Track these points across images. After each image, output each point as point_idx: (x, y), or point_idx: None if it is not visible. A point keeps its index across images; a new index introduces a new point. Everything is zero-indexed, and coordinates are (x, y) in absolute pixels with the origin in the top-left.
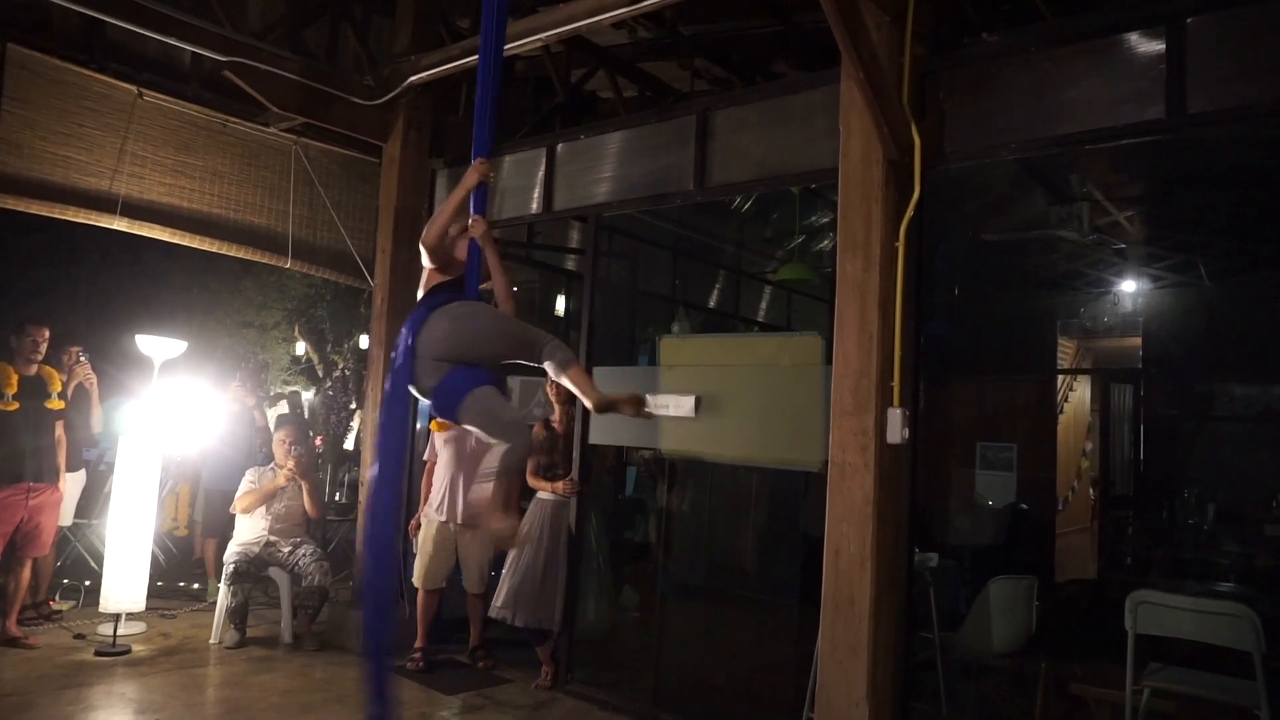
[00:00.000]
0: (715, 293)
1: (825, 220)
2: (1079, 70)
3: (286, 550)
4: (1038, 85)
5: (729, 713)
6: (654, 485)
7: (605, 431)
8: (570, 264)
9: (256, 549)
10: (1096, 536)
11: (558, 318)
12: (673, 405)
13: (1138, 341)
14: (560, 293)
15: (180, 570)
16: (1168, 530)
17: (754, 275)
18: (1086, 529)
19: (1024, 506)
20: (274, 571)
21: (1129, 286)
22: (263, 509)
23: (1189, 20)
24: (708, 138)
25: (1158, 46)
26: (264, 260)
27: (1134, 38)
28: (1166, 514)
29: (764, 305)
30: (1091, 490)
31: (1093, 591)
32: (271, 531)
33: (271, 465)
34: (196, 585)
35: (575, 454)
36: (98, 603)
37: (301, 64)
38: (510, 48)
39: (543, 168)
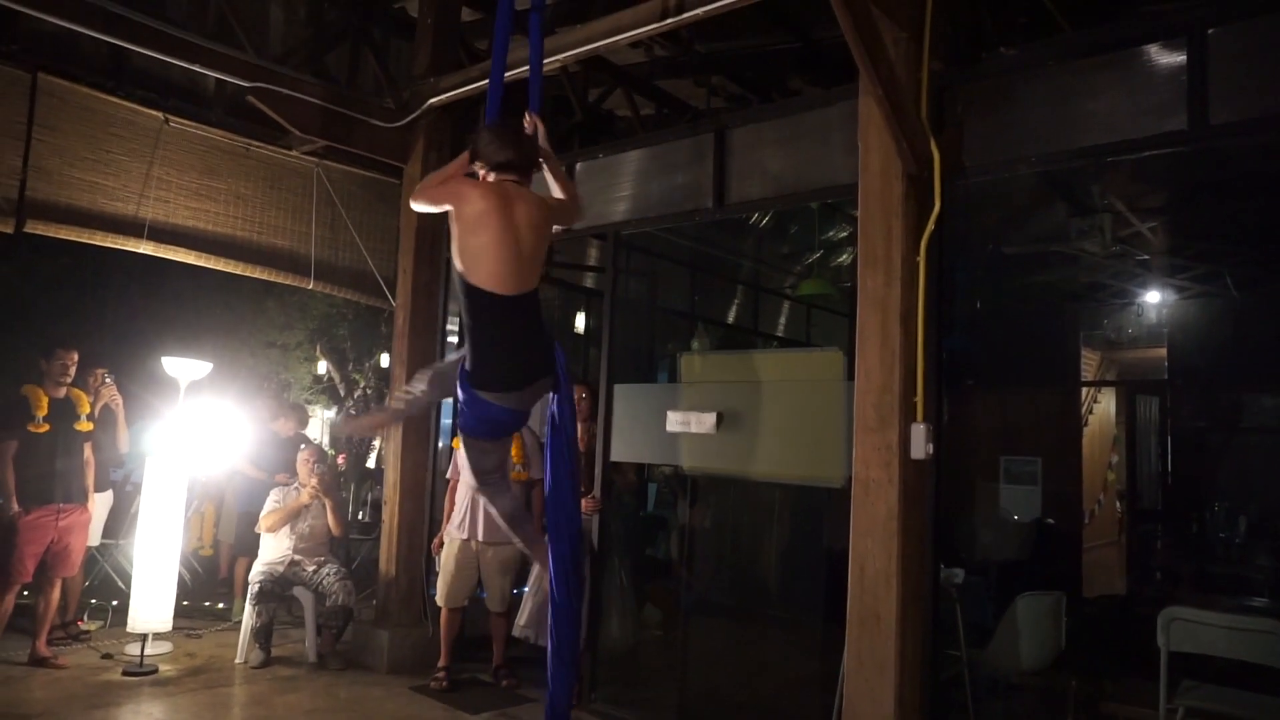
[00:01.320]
0: (734, 309)
1: (843, 235)
2: (1099, 83)
3: (311, 570)
4: (1057, 98)
5: None
6: (675, 502)
7: (626, 449)
8: (589, 281)
9: (281, 568)
10: (1124, 551)
11: (577, 335)
12: (694, 422)
13: (1163, 352)
14: (579, 310)
15: (205, 590)
16: (1198, 544)
17: (773, 291)
18: (1114, 543)
19: (1050, 521)
20: (298, 591)
21: (1153, 297)
22: (287, 528)
23: (1210, 31)
24: (725, 155)
25: (1179, 58)
26: (287, 281)
27: (1154, 49)
28: (1196, 527)
29: (783, 321)
30: (1118, 504)
31: (1122, 607)
32: (296, 551)
33: (295, 485)
34: (221, 605)
35: (596, 471)
36: (125, 623)
37: (323, 88)
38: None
39: None
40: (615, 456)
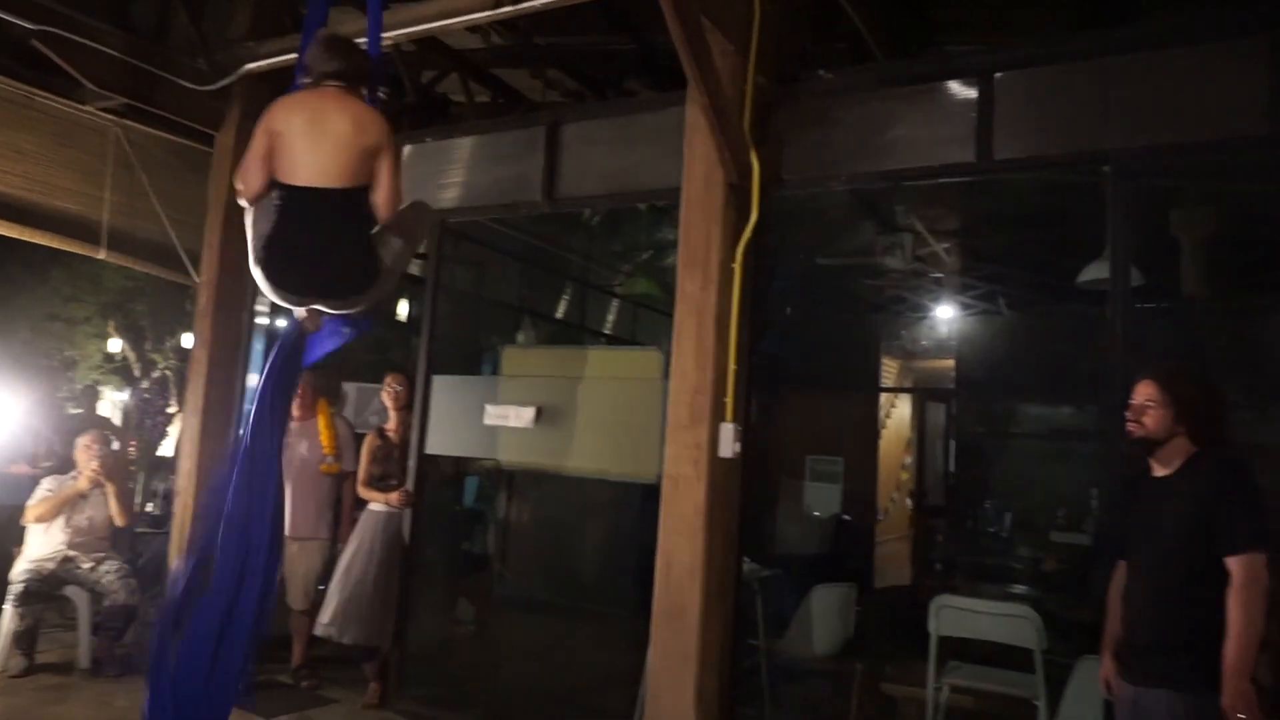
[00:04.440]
0: (563, 303)
1: (672, 237)
2: (904, 111)
3: (87, 566)
4: (867, 122)
5: None
6: (494, 496)
7: (443, 441)
8: (415, 268)
9: (51, 565)
10: (912, 544)
11: (399, 323)
12: (513, 416)
13: (951, 364)
14: (403, 297)
15: None
16: (972, 538)
17: (601, 287)
18: (904, 537)
19: (847, 517)
20: (72, 590)
21: (944, 313)
22: (61, 520)
23: (997, 75)
24: (557, 149)
25: (971, 95)
26: (74, 249)
27: (953, 86)
28: (971, 523)
29: (611, 318)
30: (909, 501)
31: (906, 596)
32: (71, 545)
33: (72, 474)
34: None
35: (411, 464)
36: None
37: (124, 39)
38: (359, 42)
39: None
40: (431, 449)
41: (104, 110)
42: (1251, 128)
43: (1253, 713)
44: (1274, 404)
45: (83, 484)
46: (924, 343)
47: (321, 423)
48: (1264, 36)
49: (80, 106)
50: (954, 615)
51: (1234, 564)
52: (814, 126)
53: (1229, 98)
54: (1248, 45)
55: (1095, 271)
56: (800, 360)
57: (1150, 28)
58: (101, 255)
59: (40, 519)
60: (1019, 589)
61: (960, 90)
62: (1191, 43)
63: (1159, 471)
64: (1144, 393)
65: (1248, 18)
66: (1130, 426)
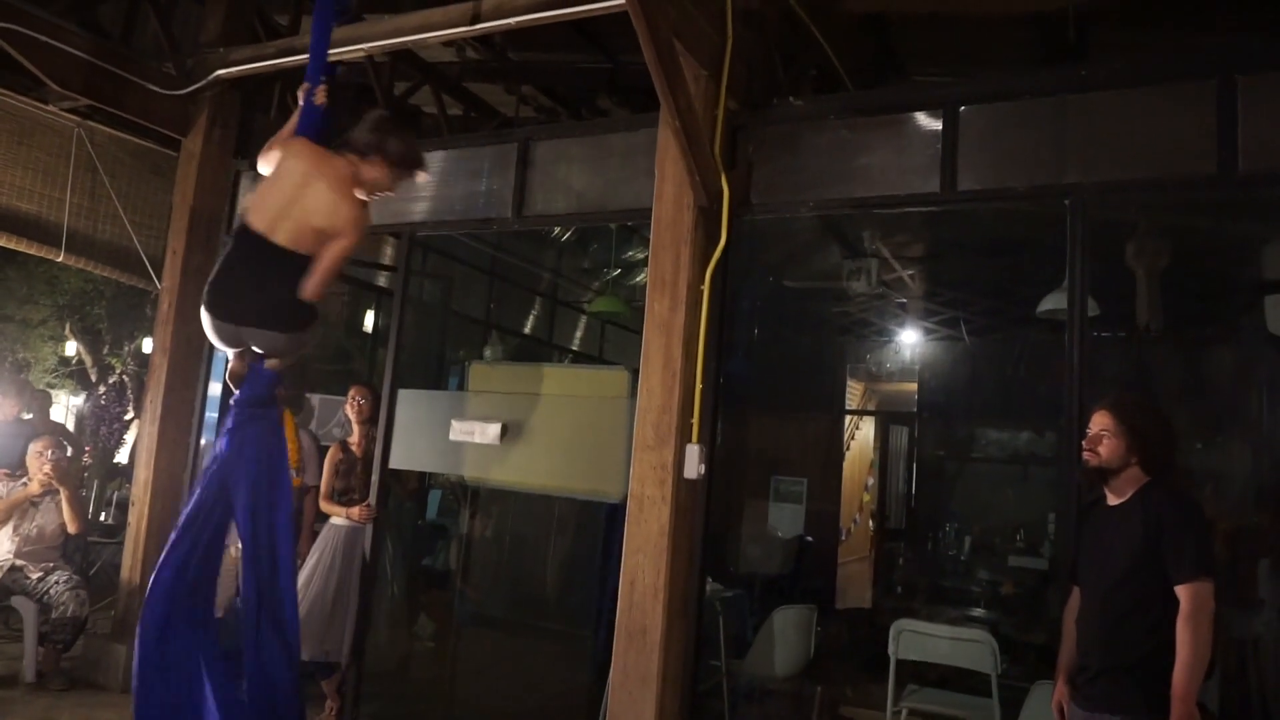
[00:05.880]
0: (531, 319)
1: (641, 256)
2: (871, 140)
3: (35, 577)
4: (836, 149)
5: None
6: (458, 511)
7: (406, 456)
8: (382, 279)
9: None
10: (873, 566)
11: (365, 334)
12: (478, 432)
13: (914, 387)
14: (370, 308)
15: None
16: (932, 560)
17: (570, 304)
18: (865, 558)
19: (809, 538)
20: (18, 601)
21: (908, 337)
22: (9, 528)
23: (962, 108)
24: (529, 166)
25: (936, 127)
26: (31, 251)
27: (919, 117)
28: (931, 545)
29: (579, 335)
30: (870, 523)
31: (866, 618)
32: (19, 555)
33: (24, 480)
34: None
35: (374, 478)
36: None
37: (89, 40)
38: (332, 53)
39: None
40: (395, 464)
41: (66, 110)
42: (1201, 167)
43: None
44: (1220, 432)
45: (34, 488)
46: (888, 366)
47: (286, 434)
48: (1213, 81)
49: (42, 106)
50: (913, 639)
51: (1182, 592)
52: (783, 152)
53: (1181, 138)
54: (1198, 88)
55: (1054, 301)
56: (766, 382)
57: (1107, 68)
58: (60, 258)
59: None
60: (977, 612)
61: (926, 121)
62: (1146, 84)
63: (1112, 500)
64: (1099, 423)
65: (1198, 62)
66: (1086, 456)
